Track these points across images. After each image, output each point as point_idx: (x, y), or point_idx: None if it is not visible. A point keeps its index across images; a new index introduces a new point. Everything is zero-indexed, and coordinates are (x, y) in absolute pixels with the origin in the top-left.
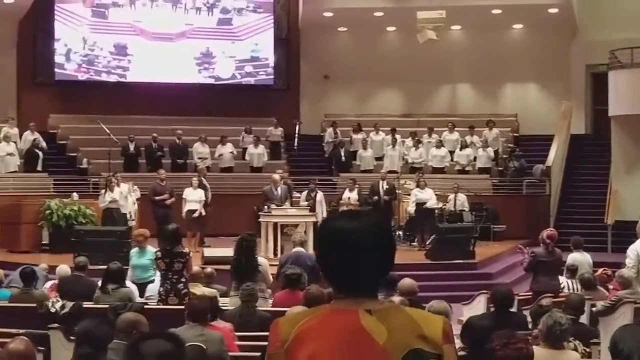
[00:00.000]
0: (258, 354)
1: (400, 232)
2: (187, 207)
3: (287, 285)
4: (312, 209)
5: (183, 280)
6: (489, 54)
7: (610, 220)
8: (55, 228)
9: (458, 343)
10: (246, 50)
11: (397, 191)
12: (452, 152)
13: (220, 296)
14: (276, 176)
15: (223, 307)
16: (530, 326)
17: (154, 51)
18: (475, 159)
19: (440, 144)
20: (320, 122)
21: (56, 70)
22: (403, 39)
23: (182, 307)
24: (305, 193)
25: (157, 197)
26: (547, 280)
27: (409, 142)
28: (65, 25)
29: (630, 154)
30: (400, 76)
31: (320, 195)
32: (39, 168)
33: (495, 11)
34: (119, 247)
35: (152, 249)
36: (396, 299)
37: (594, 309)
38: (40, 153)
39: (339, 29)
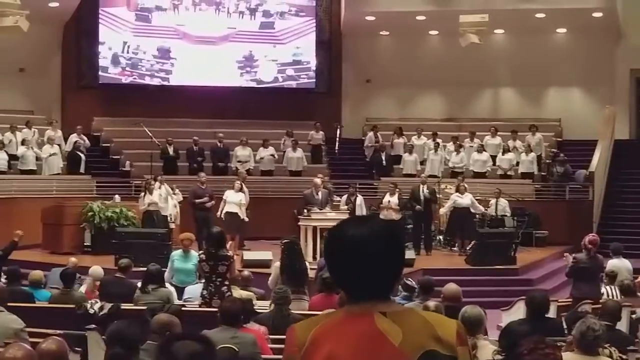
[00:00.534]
0: None
1: (441, 237)
2: (226, 209)
3: (323, 289)
4: (352, 212)
5: (226, 283)
6: (532, 58)
7: None
8: (97, 230)
9: (496, 347)
10: (288, 53)
11: (437, 196)
12: (494, 157)
13: (257, 299)
14: (317, 180)
15: (261, 311)
16: (566, 332)
17: (196, 55)
18: (517, 163)
19: (481, 149)
20: (361, 126)
21: (100, 73)
22: (445, 43)
23: (213, 309)
24: (345, 197)
25: (197, 200)
26: (588, 287)
27: (450, 146)
28: (109, 28)
29: None
30: (442, 80)
31: (360, 199)
32: (82, 170)
33: (538, 15)
34: (159, 250)
35: (195, 253)
36: (431, 303)
37: (633, 315)
38: (82, 155)
39: (381, 32)
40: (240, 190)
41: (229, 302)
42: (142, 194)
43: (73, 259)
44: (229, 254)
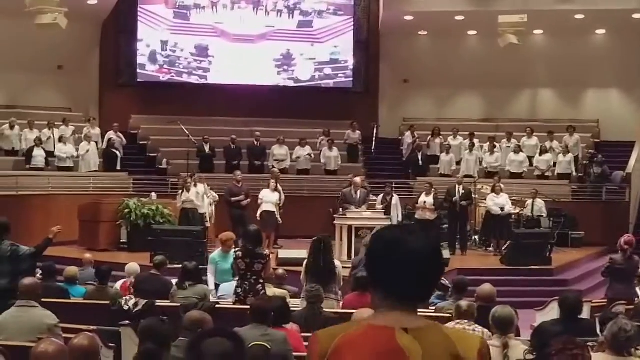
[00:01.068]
0: None
1: (476, 237)
2: (262, 209)
3: (357, 288)
4: (387, 212)
5: (261, 281)
6: (571, 59)
7: None
8: (133, 227)
9: (527, 346)
10: (326, 52)
11: (473, 196)
12: (530, 158)
13: (291, 297)
14: (358, 179)
15: (294, 309)
16: (599, 333)
17: (234, 53)
18: (555, 164)
19: (518, 149)
20: (398, 126)
21: (138, 71)
22: (484, 43)
23: (246, 306)
24: (381, 196)
25: (233, 199)
26: (623, 288)
27: (487, 146)
28: (147, 26)
29: None
30: (480, 80)
31: (396, 199)
32: (118, 167)
33: (578, 16)
34: (195, 247)
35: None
36: (463, 303)
37: None
38: (118, 153)
39: (419, 32)
40: (275, 189)
41: (261, 299)
42: (180, 191)
43: (88, 256)
44: (265, 252)
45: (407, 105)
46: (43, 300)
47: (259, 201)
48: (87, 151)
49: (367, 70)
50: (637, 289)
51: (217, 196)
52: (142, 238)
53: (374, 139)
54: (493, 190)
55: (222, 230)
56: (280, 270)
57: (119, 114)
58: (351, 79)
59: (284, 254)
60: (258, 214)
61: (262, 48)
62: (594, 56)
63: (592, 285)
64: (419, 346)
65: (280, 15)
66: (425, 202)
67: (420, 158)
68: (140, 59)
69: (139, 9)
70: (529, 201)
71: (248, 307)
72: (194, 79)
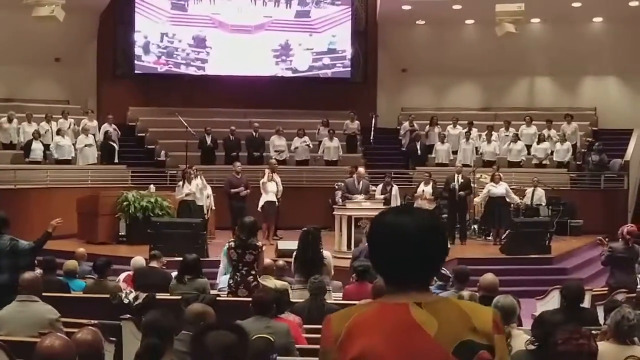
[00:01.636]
0: None
1: (475, 226)
2: (265, 199)
3: (356, 278)
4: (388, 202)
5: (253, 272)
6: (568, 47)
7: None
8: (132, 220)
9: (529, 337)
10: (324, 42)
11: (472, 185)
12: (528, 146)
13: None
14: (362, 170)
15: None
16: (602, 322)
17: (232, 43)
18: (552, 153)
19: (516, 138)
20: (397, 116)
21: (136, 62)
22: (481, 32)
23: (248, 299)
24: (380, 186)
25: (232, 190)
26: (624, 276)
27: (485, 135)
28: (145, 17)
29: None
30: (478, 69)
31: (395, 189)
32: (115, 160)
33: (575, 4)
34: (195, 239)
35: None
36: (465, 293)
37: None
38: (115, 145)
39: (417, 22)
40: (272, 179)
41: (262, 291)
42: (180, 183)
43: (81, 249)
44: (258, 243)
45: (405, 95)
46: (43, 294)
47: (261, 186)
48: (86, 145)
49: (365, 60)
50: (638, 276)
51: (210, 192)
52: (141, 231)
53: (373, 128)
54: (492, 179)
55: (222, 222)
56: (281, 262)
57: (117, 106)
58: (349, 68)
59: (283, 245)
60: (260, 205)
61: (260, 38)
62: (591, 44)
63: (592, 273)
64: (434, 319)
65: (278, 5)
66: (424, 191)
67: (418, 148)
68: (138, 50)
69: (136, 0)
70: (529, 190)
71: (247, 299)
72: (192, 70)
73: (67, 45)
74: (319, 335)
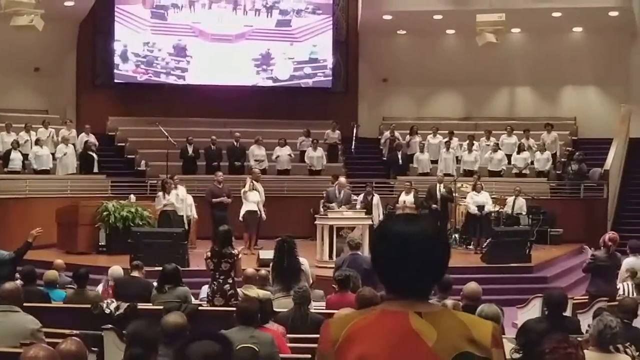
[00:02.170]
0: (309, 356)
1: (457, 235)
2: (245, 208)
3: (337, 288)
4: (368, 211)
5: (230, 281)
6: (549, 57)
7: None
8: (112, 230)
9: (513, 345)
10: (305, 52)
11: (454, 194)
12: (509, 156)
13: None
14: (343, 179)
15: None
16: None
17: (212, 52)
18: (532, 162)
19: (497, 147)
20: (378, 125)
21: (115, 71)
22: (462, 42)
23: (229, 308)
24: (362, 196)
25: (214, 200)
26: (604, 284)
27: (466, 145)
28: (125, 26)
29: None
30: (459, 79)
31: (376, 199)
32: (95, 170)
33: (555, 14)
34: (175, 249)
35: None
36: (449, 302)
37: None
38: (94, 155)
39: (398, 32)
40: (254, 188)
41: (246, 301)
42: (160, 193)
43: (59, 261)
44: (233, 252)
45: (386, 105)
46: (24, 304)
47: (242, 195)
48: (65, 154)
49: (347, 70)
50: (624, 284)
51: (192, 201)
52: (121, 241)
53: (354, 138)
54: (474, 189)
55: (204, 232)
56: (263, 271)
57: (97, 116)
58: (330, 78)
59: (264, 254)
60: (241, 215)
61: (241, 48)
62: (571, 54)
63: (572, 282)
64: (433, 329)
65: (259, 15)
66: (405, 201)
67: (400, 157)
68: (117, 60)
69: (115, 9)
70: (510, 199)
71: (220, 308)
72: (172, 79)
73: (47, 55)
74: (301, 345)
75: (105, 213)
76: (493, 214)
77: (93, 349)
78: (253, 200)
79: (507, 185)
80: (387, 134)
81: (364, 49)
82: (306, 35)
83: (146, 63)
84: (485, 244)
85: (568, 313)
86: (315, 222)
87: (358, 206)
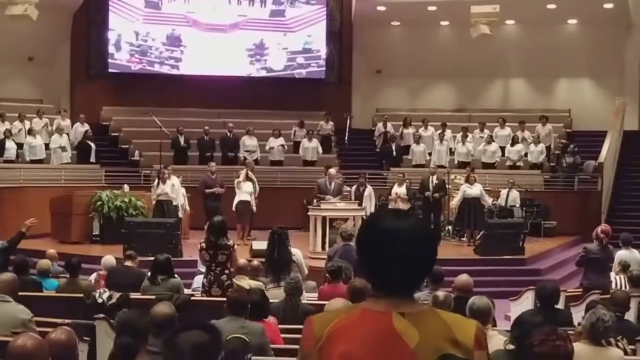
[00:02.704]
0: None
1: (450, 227)
2: (238, 199)
3: (329, 279)
4: (360, 203)
5: (227, 272)
6: (543, 49)
7: None
8: (106, 219)
9: (507, 337)
10: (299, 42)
11: (447, 186)
12: (503, 148)
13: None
14: (333, 171)
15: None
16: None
17: (206, 42)
18: (526, 154)
19: (490, 139)
20: (371, 117)
21: (109, 60)
22: (456, 34)
23: (224, 299)
24: (355, 187)
25: (207, 190)
26: (598, 277)
27: (460, 137)
28: (119, 16)
29: None
30: (453, 71)
31: (369, 190)
32: (92, 160)
33: (550, 6)
34: (169, 239)
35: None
36: (440, 293)
37: None
38: (92, 145)
39: (392, 23)
40: (248, 179)
41: (237, 291)
42: (155, 182)
43: (51, 250)
44: (229, 243)
45: (380, 96)
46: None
47: (235, 186)
48: (60, 145)
49: (340, 61)
50: (617, 277)
51: (184, 192)
52: (115, 230)
53: (347, 129)
54: (467, 181)
55: (197, 222)
56: (255, 262)
57: (91, 106)
58: (324, 68)
59: (257, 245)
60: (234, 205)
61: (235, 38)
62: (565, 46)
63: (565, 274)
64: (415, 331)
65: (253, 4)
66: (397, 192)
67: (393, 149)
68: (111, 49)
69: None
70: (504, 191)
71: (214, 298)
72: (165, 69)
73: (41, 45)
74: (292, 336)
75: (99, 203)
76: (486, 206)
77: (85, 338)
78: (246, 190)
79: (500, 177)
80: (380, 125)
81: (357, 40)
82: (300, 26)
83: (140, 53)
84: (478, 236)
85: (561, 306)
86: (308, 213)
87: (352, 197)
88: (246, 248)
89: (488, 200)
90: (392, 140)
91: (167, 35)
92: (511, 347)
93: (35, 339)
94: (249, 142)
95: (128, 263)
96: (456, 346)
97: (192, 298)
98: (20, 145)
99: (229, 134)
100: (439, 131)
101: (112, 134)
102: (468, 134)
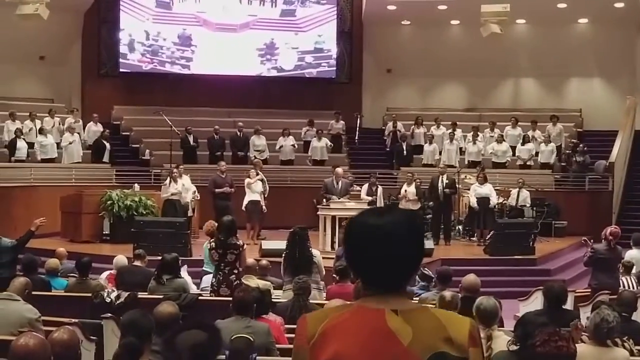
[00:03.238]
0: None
1: (460, 227)
2: (248, 199)
3: (338, 279)
4: (375, 202)
5: (235, 271)
6: (554, 48)
7: None
8: (116, 218)
9: (510, 337)
10: (309, 41)
11: (457, 186)
12: (513, 147)
13: (275, 288)
14: (339, 170)
15: (276, 300)
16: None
17: (217, 42)
18: (537, 154)
19: (501, 139)
20: (382, 116)
21: (121, 60)
22: (466, 33)
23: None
24: (366, 187)
25: (217, 190)
26: (606, 278)
27: (470, 136)
28: (130, 15)
29: None
30: (463, 70)
31: (379, 190)
32: (106, 159)
33: (560, 5)
34: (178, 238)
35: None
36: (447, 293)
37: None
38: (107, 144)
39: (402, 22)
40: (258, 178)
41: (242, 291)
42: (166, 181)
43: (61, 249)
44: (238, 242)
45: (390, 95)
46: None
47: (245, 186)
48: (70, 143)
49: (351, 60)
50: (621, 278)
51: (197, 193)
52: (125, 230)
53: (358, 129)
54: (477, 180)
55: (206, 221)
56: (264, 261)
57: (102, 105)
58: (334, 68)
59: (267, 244)
60: (243, 205)
61: (245, 37)
62: (576, 45)
63: (575, 274)
64: (409, 328)
65: (263, 4)
66: (406, 191)
67: (404, 148)
68: (123, 49)
69: None
70: (514, 191)
71: (222, 298)
72: (176, 69)
73: (52, 44)
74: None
75: (109, 202)
76: (497, 206)
77: (92, 337)
78: (256, 190)
79: (511, 177)
80: (390, 125)
81: (368, 39)
82: (310, 25)
83: (151, 52)
84: (488, 236)
85: (569, 306)
86: (318, 212)
87: (363, 197)
88: (256, 248)
89: (494, 200)
90: (403, 140)
91: (178, 35)
92: (514, 347)
93: (38, 339)
94: (258, 141)
95: (137, 262)
96: (450, 344)
97: (200, 297)
98: (31, 145)
99: (239, 133)
100: (449, 131)
101: (123, 134)
102: (478, 133)
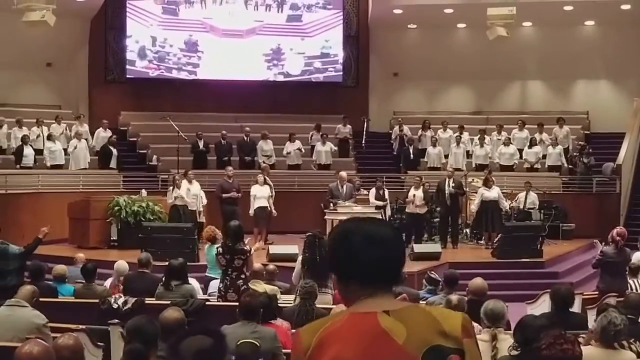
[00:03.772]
0: None
1: (468, 230)
2: (256, 205)
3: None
4: (384, 206)
5: (243, 277)
6: (560, 51)
7: None
8: (123, 224)
9: (511, 341)
10: (316, 46)
11: (464, 189)
12: (520, 150)
13: (282, 293)
14: (343, 174)
15: (283, 305)
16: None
17: (223, 48)
18: (544, 156)
19: (508, 142)
20: (389, 120)
21: (127, 67)
22: (473, 36)
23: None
24: (374, 191)
25: (224, 195)
26: (614, 280)
27: (477, 139)
28: (136, 22)
29: None
30: (470, 73)
31: (387, 194)
32: (113, 165)
33: (566, 7)
34: (186, 244)
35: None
36: (453, 297)
37: None
38: (114, 150)
39: (408, 26)
40: (265, 183)
41: (249, 296)
42: (170, 188)
43: (80, 255)
44: (246, 248)
45: (397, 99)
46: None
47: (252, 198)
48: (75, 147)
49: (357, 64)
50: (632, 280)
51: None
52: (133, 235)
53: (365, 133)
54: (485, 184)
55: (215, 227)
56: (271, 266)
57: (109, 111)
58: (341, 73)
59: (274, 249)
60: (251, 211)
61: (252, 43)
62: (583, 48)
63: (583, 277)
64: (402, 326)
65: (269, 10)
66: (414, 195)
67: (411, 152)
68: (130, 55)
69: (127, 5)
70: (522, 194)
71: (229, 303)
72: (183, 75)
73: (59, 50)
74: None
75: (116, 208)
76: (504, 209)
77: (99, 344)
78: (263, 195)
79: (518, 180)
80: (397, 128)
81: (374, 43)
82: (317, 30)
83: (158, 59)
84: (496, 239)
85: (577, 309)
86: (325, 217)
87: (372, 201)
88: (263, 252)
89: (505, 204)
90: (410, 143)
91: (185, 41)
92: (515, 352)
93: (42, 346)
94: (265, 146)
95: (141, 269)
96: (444, 337)
97: (207, 303)
98: (38, 151)
99: (246, 138)
100: (456, 134)
101: (130, 139)
102: (485, 136)
